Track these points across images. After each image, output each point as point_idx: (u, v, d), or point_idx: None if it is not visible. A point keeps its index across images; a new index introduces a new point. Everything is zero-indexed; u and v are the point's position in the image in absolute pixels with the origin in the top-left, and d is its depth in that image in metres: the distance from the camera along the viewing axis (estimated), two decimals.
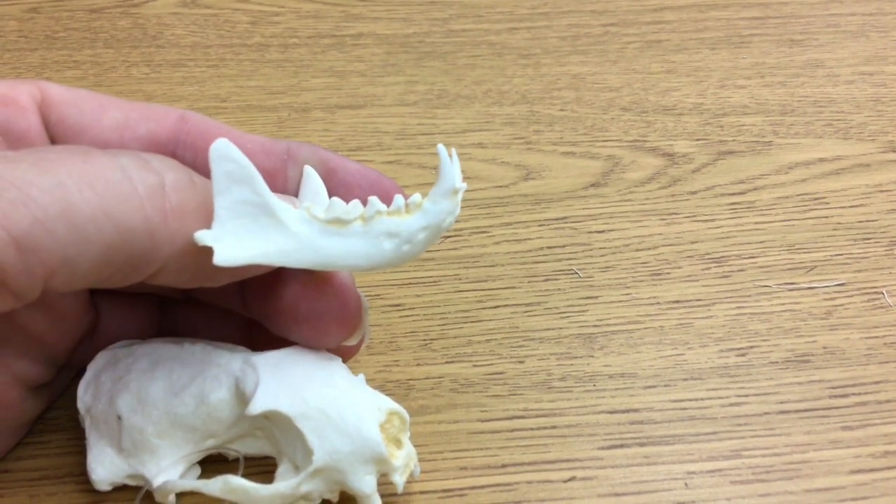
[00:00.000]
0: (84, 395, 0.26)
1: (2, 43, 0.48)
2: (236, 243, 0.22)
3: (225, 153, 0.22)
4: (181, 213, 0.21)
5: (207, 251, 0.21)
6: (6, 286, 0.19)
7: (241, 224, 0.22)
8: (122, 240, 0.20)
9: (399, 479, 0.25)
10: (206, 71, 0.46)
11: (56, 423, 0.28)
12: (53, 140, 0.24)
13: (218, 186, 0.22)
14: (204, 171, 0.24)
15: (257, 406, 0.24)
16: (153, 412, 0.24)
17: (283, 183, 0.26)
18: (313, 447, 0.24)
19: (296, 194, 0.26)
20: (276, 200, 0.23)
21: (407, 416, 0.25)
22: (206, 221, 0.22)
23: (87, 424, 0.26)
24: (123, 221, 0.20)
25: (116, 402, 0.25)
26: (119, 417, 0.25)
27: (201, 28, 0.49)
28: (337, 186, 0.26)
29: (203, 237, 0.21)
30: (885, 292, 0.33)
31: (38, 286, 0.20)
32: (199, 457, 0.25)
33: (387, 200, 0.24)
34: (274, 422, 0.25)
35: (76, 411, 0.26)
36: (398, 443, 0.25)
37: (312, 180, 0.25)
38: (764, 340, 0.31)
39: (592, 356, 0.31)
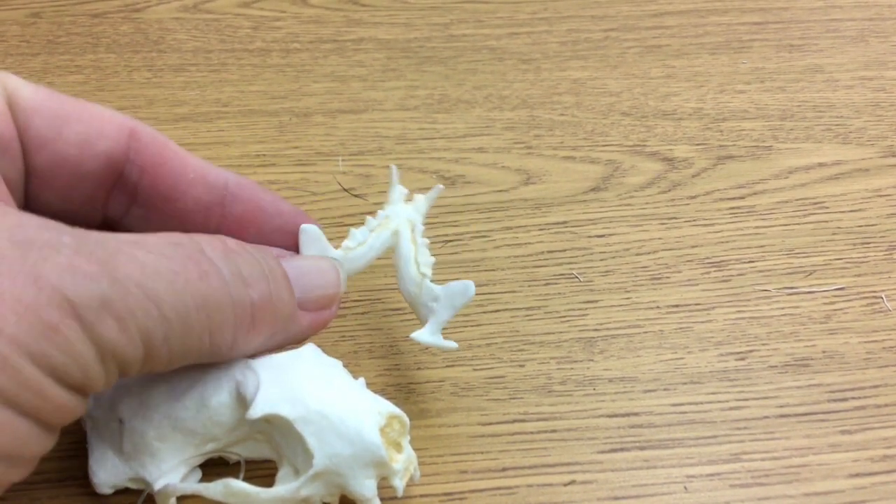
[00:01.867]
0: None
1: (4, 48, 0.48)
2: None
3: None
4: (259, 329, 0.24)
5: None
6: (123, 374, 0.21)
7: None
8: (211, 351, 0.23)
9: (399, 483, 0.25)
10: (208, 76, 0.46)
11: None
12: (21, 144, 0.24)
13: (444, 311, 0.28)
14: (150, 187, 0.26)
15: (258, 410, 0.24)
16: (154, 416, 0.24)
17: (218, 219, 0.27)
18: (313, 451, 0.24)
19: (231, 231, 0.27)
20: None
21: (407, 420, 0.25)
22: (271, 330, 0.24)
23: (89, 428, 0.26)
24: (218, 340, 0.23)
25: (118, 406, 0.25)
26: (120, 421, 0.25)
27: (203, 33, 0.49)
28: (268, 232, 0.27)
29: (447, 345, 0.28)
30: (884, 296, 0.33)
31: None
32: (200, 460, 0.25)
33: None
34: (274, 425, 0.25)
35: None
36: (398, 447, 0.25)
37: (316, 241, 0.28)
38: (763, 344, 0.31)
39: (592, 360, 0.31)
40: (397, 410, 0.25)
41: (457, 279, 0.34)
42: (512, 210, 0.37)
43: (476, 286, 0.34)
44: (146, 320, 0.20)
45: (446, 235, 0.35)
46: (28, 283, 0.19)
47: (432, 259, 0.30)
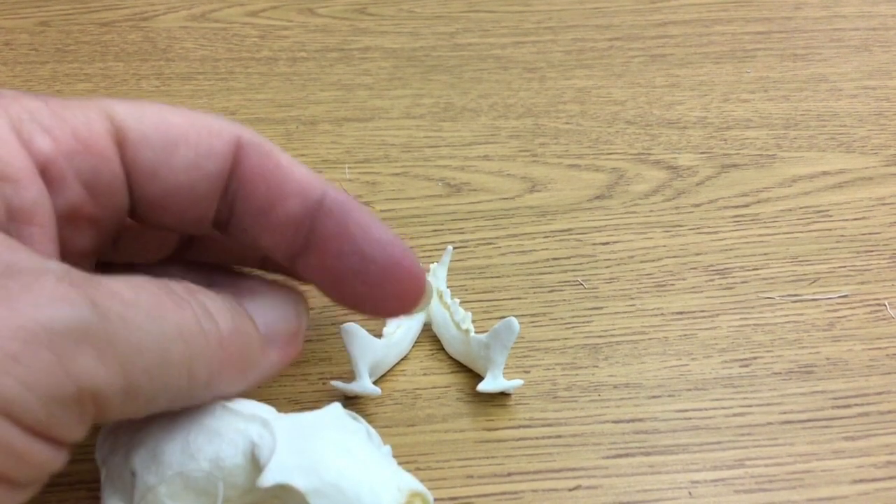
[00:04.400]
0: (102, 445, 0.25)
1: (13, 56, 0.48)
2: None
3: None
4: (231, 364, 0.23)
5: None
6: (100, 416, 0.20)
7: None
8: (190, 388, 0.22)
9: None
10: (216, 84, 0.46)
11: None
12: (128, 179, 0.24)
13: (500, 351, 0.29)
14: (246, 199, 0.25)
15: (269, 479, 0.22)
16: (167, 472, 0.23)
17: (307, 233, 0.25)
18: None
19: (317, 246, 0.25)
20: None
21: (431, 498, 0.24)
22: (242, 364, 0.23)
23: (103, 476, 0.25)
24: (196, 373, 0.22)
25: (131, 458, 0.24)
26: (133, 473, 0.24)
27: (210, 42, 0.50)
28: (350, 254, 0.25)
29: (514, 385, 0.29)
30: (887, 304, 0.33)
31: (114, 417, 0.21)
32: None
33: (400, 283, 0.25)
34: (288, 495, 0.23)
35: None
36: None
37: (359, 337, 0.29)
38: (767, 351, 0.31)
39: (597, 366, 0.31)
40: (420, 487, 0.24)
41: (462, 286, 0.34)
42: (517, 217, 0.38)
43: (481, 293, 0.34)
44: (127, 349, 0.19)
45: (452, 242, 0.36)
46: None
47: (469, 313, 0.31)
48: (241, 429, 0.24)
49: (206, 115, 0.25)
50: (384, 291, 0.25)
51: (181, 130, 0.24)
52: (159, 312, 0.20)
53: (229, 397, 0.24)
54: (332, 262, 0.25)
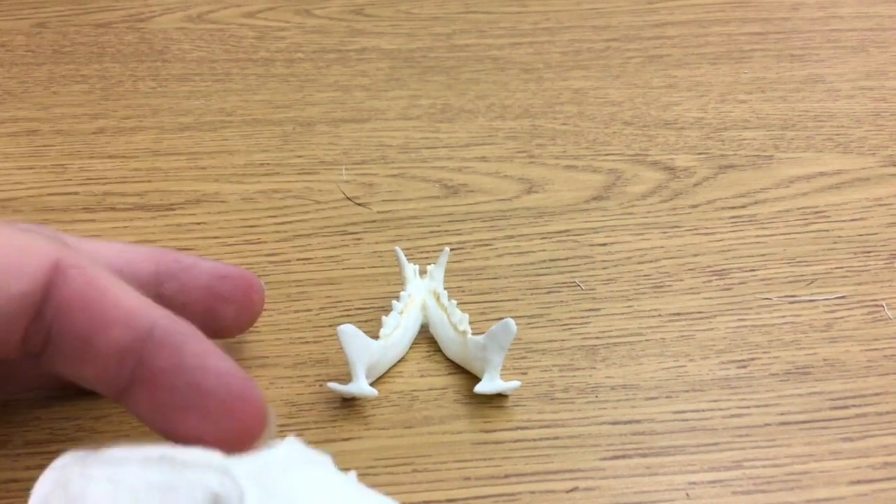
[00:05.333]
0: None
1: (10, 57, 0.48)
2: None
3: None
4: None
5: None
6: None
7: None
8: None
9: None
10: (212, 85, 0.46)
11: (64, 434, 0.28)
12: None
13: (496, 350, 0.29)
14: (64, 328, 0.23)
15: None
16: None
17: (132, 367, 0.23)
18: None
19: (146, 382, 0.23)
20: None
21: None
22: None
23: None
24: None
25: None
26: None
27: (207, 43, 0.50)
28: (185, 387, 0.23)
29: (512, 387, 0.29)
30: (884, 305, 0.33)
31: None
32: None
33: (241, 417, 0.23)
34: None
35: (83, 421, 0.26)
36: None
37: (356, 338, 0.29)
38: (765, 352, 0.31)
39: (595, 368, 0.31)
40: None
41: (459, 287, 0.34)
42: (514, 219, 0.38)
43: (478, 294, 0.34)
44: None
45: (449, 244, 0.36)
46: None
47: (466, 315, 0.31)
48: (195, 480, 0.21)
49: (27, 235, 0.23)
50: (222, 426, 0.23)
51: None
52: None
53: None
54: (163, 396, 0.23)
